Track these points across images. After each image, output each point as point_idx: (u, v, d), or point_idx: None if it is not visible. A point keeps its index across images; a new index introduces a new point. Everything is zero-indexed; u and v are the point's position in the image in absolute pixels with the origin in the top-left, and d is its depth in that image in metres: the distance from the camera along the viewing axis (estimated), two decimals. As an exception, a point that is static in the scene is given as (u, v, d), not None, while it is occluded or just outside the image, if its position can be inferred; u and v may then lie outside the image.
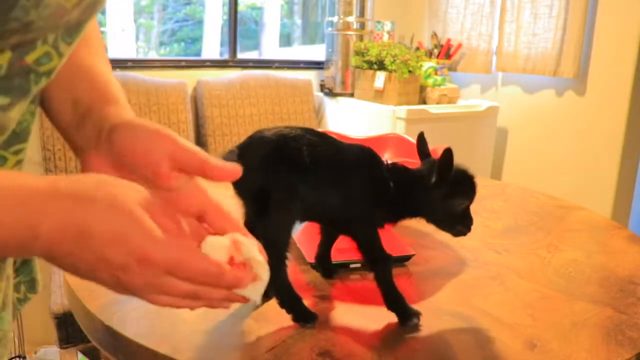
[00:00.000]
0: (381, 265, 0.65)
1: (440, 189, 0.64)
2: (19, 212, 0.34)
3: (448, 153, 0.62)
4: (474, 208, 0.67)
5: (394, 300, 0.65)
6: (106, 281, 0.38)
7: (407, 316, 0.64)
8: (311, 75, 2.60)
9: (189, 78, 2.16)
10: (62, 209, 0.35)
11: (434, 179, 0.64)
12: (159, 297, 0.39)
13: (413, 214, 0.67)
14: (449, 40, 2.61)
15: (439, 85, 2.38)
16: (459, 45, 2.62)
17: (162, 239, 0.37)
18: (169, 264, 0.37)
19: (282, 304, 0.63)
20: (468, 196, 0.66)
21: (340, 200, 0.64)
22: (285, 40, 4.09)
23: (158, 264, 0.37)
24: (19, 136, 0.44)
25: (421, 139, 0.69)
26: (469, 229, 0.67)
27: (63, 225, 0.35)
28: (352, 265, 0.79)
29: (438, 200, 0.65)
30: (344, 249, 0.81)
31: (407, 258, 0.83)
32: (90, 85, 0.49)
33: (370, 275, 0.78)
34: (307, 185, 0.62)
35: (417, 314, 0.64)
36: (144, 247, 0.36)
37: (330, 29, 2.52)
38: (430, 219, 0.67)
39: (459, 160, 0.63)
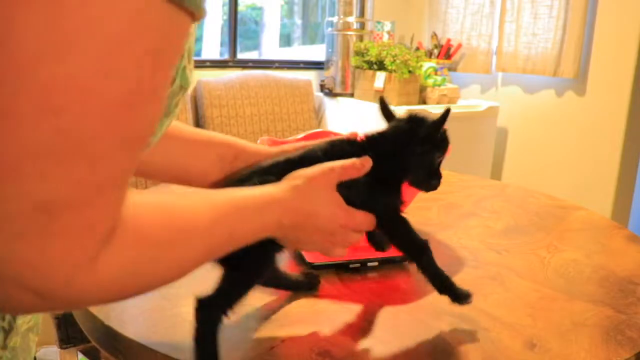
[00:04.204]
0: (426, 254, 0.63)
1: (426, 146, 0.65)
2: (269, 214, 0.51)
3: (447, 112, 0.65)
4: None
5: (445, 285, 0.63)
6: (316, 243, 0.57)
7: (460, 298, 0.63)
8: (311, 76, 2.60)
9: (189, 78, 2.16)
10: (295, 206, 0.53)
11: (422, 136, 0.64)
12: (339, 250, 0.58)
13: (405, 178, 0.66)
14: (449, 40, 2.62)
15: (439, 85, 2.38)
16: (459, 46, 2.62)
17: (347, 207, 0.57)
18: (355, 223, 0.58)
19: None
20: (445, 149, 0.66)
21: (371, 201, 0.61)
22: (285, 40, 4.09)
23: (350, 226, 0.57)
24: None
25: (383, 102, 0.69)
26: (440, 181, 0.67)
27: (298, 215, 0.53)
28: (351, 265, 0.79)
29: (424, 157, 0.65)
30: (344, 249, 0.81)
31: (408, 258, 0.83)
32: None
33: (371, 275, 0.78)
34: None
35: (468, 295, 0.63)
36: (344, 217, 0.56)
37: (330, 29, 2.52)
38: (412, 179, 0.66)
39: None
